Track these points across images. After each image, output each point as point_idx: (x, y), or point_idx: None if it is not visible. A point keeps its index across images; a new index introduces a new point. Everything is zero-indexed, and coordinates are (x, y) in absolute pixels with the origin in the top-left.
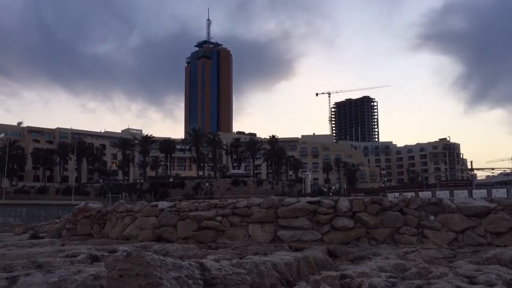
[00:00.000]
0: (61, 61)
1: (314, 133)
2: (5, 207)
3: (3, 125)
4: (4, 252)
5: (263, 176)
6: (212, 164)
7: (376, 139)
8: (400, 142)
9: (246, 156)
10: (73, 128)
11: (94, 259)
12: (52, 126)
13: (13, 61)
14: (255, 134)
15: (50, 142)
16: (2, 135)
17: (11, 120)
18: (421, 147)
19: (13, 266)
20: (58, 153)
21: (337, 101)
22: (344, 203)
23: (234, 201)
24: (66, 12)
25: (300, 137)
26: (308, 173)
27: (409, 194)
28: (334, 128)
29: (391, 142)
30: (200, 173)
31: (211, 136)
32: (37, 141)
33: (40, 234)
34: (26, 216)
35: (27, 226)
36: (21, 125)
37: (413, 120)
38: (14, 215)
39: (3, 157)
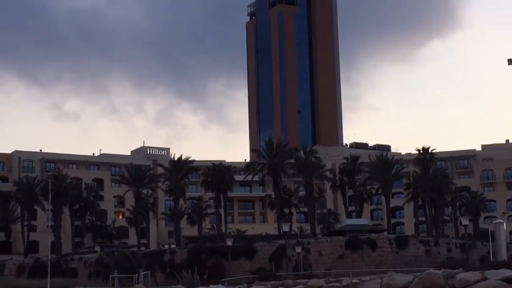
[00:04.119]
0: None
1: (508, 140)
2: None
3: None
4: None
5: (408, 229)
6: (306, 209)
7: None
8: None
9: (374, 190)
10: (44, 150)
11: None
12: (6, 148)
13: None
14: (388, 147)
15: (4, 179)
16: None
17: None
18: None
19: None
20: (18, 199)
21: None
22: None
23: (355, 281)
24: None
25: (479, 149)
26: (500, 220)
27: None
28: None
29: None
30: (285, 227)
31: (302, 155)
32: None
33: None
34: None
35: None
36: None
37: None
38: None
39: None
